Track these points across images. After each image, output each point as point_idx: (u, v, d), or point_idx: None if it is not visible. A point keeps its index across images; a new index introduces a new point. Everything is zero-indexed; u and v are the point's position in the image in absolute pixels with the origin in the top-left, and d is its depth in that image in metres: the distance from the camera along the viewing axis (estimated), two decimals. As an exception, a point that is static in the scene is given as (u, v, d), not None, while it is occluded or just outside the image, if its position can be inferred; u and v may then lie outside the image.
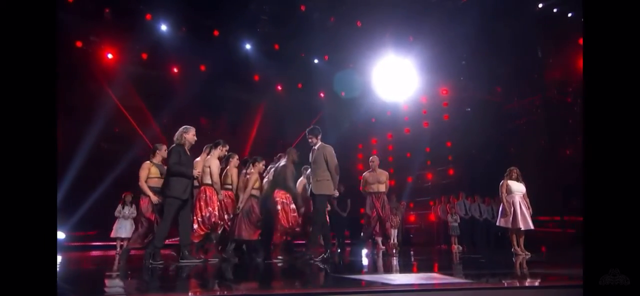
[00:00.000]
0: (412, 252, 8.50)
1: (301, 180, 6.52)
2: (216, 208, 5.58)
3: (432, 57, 11.68)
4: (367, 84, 12.49)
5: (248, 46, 12.60)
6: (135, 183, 5.42)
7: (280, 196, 5.88)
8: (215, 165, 5.63)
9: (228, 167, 5.97)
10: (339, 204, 8.64)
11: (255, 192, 5.89)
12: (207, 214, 5.50)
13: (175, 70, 12.49)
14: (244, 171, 6.15)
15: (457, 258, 6.87)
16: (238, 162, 6.13)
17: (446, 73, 13.04)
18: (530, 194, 6.68)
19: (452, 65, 12.82)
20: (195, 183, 5.46)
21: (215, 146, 5.78)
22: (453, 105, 13.39)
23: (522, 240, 6.52)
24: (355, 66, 13.08)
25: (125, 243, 7.97)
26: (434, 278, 3.79)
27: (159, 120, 11.53)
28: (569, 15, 10.55)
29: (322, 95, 14.27)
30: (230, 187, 5.94)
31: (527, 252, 6.35)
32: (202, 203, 5.50)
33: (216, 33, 11.92)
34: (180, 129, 5.17)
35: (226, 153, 5.91)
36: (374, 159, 7.05)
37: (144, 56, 11.74)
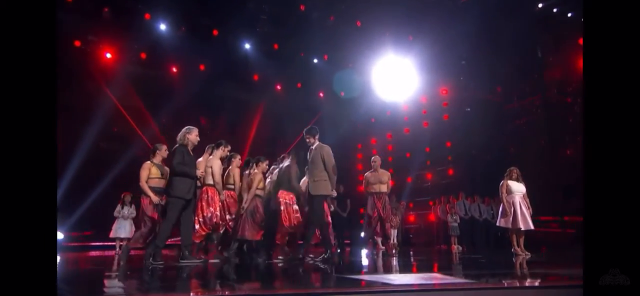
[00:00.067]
0: (411, 252, 8.48)
1: (304, 179, 6.52)
2: (218, 208, 5.59)
3: (431, 56, 11.66)
4: (367, 84, 12.48)
5: (247, 46, 12.58)
6: (134, 183, 5.41)
7: (283, 196, 5.88)
8: (217, 166, 5.65)
9: (230, 167, 5.99)
10: (338, 204, 8.62)
11: (259, 192, 5.92)
12: (209, 214, 5.51)
13: (175, 69, 12.46)
14: (247, 171, 6.17)
15: (456, 259, 6.85)
16: (240, 162, 6.15)
17: (446, 73, 13.03)
18: (530, 194, 6.67)
19: (452, 64, 12.80)
20: (198, 183, 5.48)
21: (217, 146, 5.80)
22: (453, 105, 13.37)
23: (522, 240, 6.51)
24: (354, 66, 13.06)
25: (124, 244, 7.98)
26: (434, 278, 3.77)
27: (158, 120, 11.50)
28: (569, 15, 10.54)
29: (321, 94, 14.24)
30: (232, 187, 5.96)
31: (527, 252, 6.34)
32: (204, 204, 5.52)
33: (215, 32, 11.88)
34: (183, 130, 5.20)
35: (228, 153, 5.93)
36: (376, 159, 7.04)
37: (143, 55, 11.71)
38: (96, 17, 10.77)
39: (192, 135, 5.17)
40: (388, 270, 4.86)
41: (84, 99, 10.53)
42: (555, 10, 10.75)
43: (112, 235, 8.13)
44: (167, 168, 5.39)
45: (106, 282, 3.89)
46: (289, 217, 5.84)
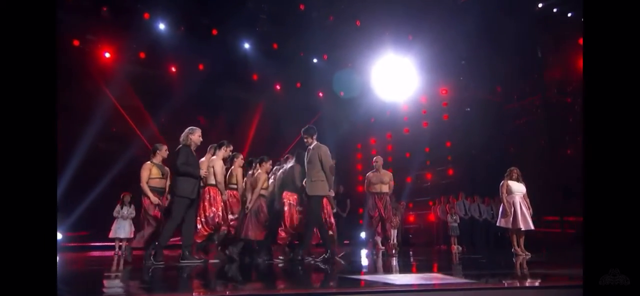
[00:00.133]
0: (411, 253, 8.46)
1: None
2: (220, 208, 5.61)
3: (431, 56, 11.64)
4: (366, 84, 12.45)
5: (246, 45, 12.53)
6: (133, 183, 5.41)
7: (288, 197, 5.88)
8: (219, 166, 5.67)
9: (233, 167, 6.02)
10: (338, 204, 8.60)
11: (264, 192, 5.93)
12: (211, 214, 5.52)
13: (174, 69, 12.42)
14: (250, 171, 6.17)
15: (456, 259, 6.84)
16: (243, 162, 6.18)
17: (446, 72, 13.00)
18: (531, 194, 6.67)
19: (452, 64, 12.78)
20: (200, 183, 5.48)
21: (220, 147, 5.84)
22: (453, 105, 13.35)
23: (522, 240, 6.51)
24: (354, 65, 13.03)
25: (123, 244, 7.96)
26: (435, 278, 3.76)
27: (157, 119, 11.47)
28: (569, 15, 10.52)
29: (320, 94, 14.19)
30: (235, 187, 5.99)
31: (527, 252, 6.34)
32: (206, 204, 5.54)
33: (214, 32, 11.84)
34: (186, 130, 5.26)
35: (230, 153, 5.95)
36: (378, 159, 7.04)
37: (142, 55, 11.66)
38: (95, 16, 10.72)
39: (195, 135, 5.24)
40: (388, 270, 4.86)
41: (83, 99, 10.48)
42: (555, 10, 10.73)
43: (111, 235, 8.10)
44: (167, 168, 5.45)
45: (106, 282, 3.88)
46: (292, 218, 5.83)
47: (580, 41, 8.68)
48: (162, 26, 11.32)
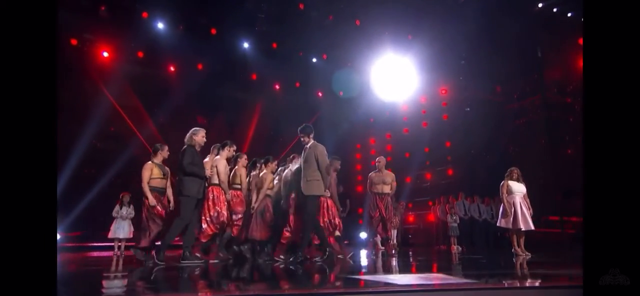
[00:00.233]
0: (411, 253, 8.44)
1: None
2: (224, 208, 5.62)
3: (431, 55, 11.61)
4: (366, 83, 12.42)
5: (245, 45, 12.51)
6: (131, 183, 5.43)
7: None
8: (222, 166, 5.69)
9: (236, 167, 6.03)
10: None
11: (269, 192, 5.97)
12: (215, 213, 5.53)
13: (172, 68, 12.40)
14: (255, 172, 6.17)
15: (456, 259, 6.81)
16: (246, 161, 6.20)
17: (445, 72, 12.98)
18: (531, 194, 6.65)
19: (452, 64, 12.76)
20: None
21: (223, 147, 5.87)
22: (452, 105, 13.33)
23: (522, 241, 6.51)
24: (353, 65, 13.00)
25: (123, 244, 7.93)
26: (435, 278, 3.73)
27: (155, 119, 11.43)
28: (569, 15, 10.51)
29: (320, 94, 14.17)
30: (239, 186, 6.00)
31: (527, 252, 6.32)
32: (210, 203, 5.55)
33: (213, 31, 11.81)
34: (190, 131, 5.32)
35: (234, 153, 5.98)
36: (381, 159, 7.02)
37: (140, 54, 11.64)
38: (93, 15, 10.70)
39: (198, 136, 5.29)
40: (388, 270, 4.84)
41: (81, 98, 10.44)
42: (555, 10, 10.71)
43: (110, 235, 8.05)
44: (167, 169, 5.52)
45: (105, 283, 3.86)
46: (296, 219, 5.81)
47: (580, 41, 8.67)
48: (160, 25, 11.29)
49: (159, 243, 5.22)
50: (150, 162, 5.41)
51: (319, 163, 5.27)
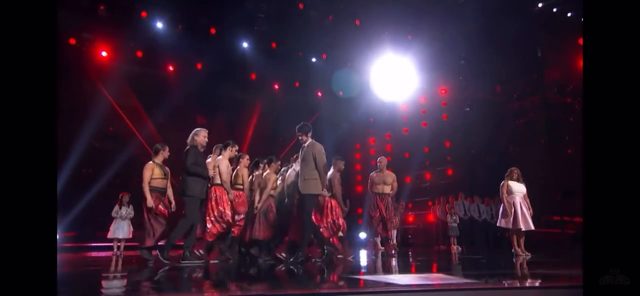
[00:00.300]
0: (410, 253, 8.42)
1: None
2: (227, 207, 5.62)
3: (431, 55, 11.60)
4: (365, 83, 12.40)
5: (245, 44, 12.49)
6: (131, 183, 5.42)
7: None
8: (224, 166, 5.69)
9: (239, 167, 6.03)
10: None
11: (273, 192, 5.97)
12: (219, 213, 5.54)
13: (171, 68, 12.37)
14: (258, 172, 6.15)
15: (456, 259, 6.80)
16: (249, 161, 6.20)
17: (445, 72, 12.98)
18: (531, 194, 6.64)
19: (451, 64, 12.76)
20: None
21: (225, 147, 5.87)
22: (452, 105, 13.33)
23: (522, 241, 6.50)
24: (353, 65, 12.98)
25: (122, 244, 7.90)
26: (435, 278, 3.72)
27: (154, 119, 11.40)
28: (569, 15, 10.50)
29: (319, 94, 14.16)
30: (241, 187, 6.00)
31: (527, 253, 6.31)
32: (213, 203, 5.56)
33: (213, 31, 11.79)
34: (192, 132, 5.32)
35: (236, 153, 5.98)
36: (382, 160, 7.02)
37: (139, 54, 11.61)
38: (92, 14, 10.68)
39: (200, 136, 5.28)
40: (388, 270, 4.83)
41: (79, 98, 10.41)
42: (555, 10, 10.71)
43: (109, 235, 8.02)
44: (167, 169, 5.53)
45: (104, 283, 3.84)
46: (297, 218, 5.79)
47: (580, 41, 8.65)
48: (159, 25, 11.27)
49: (162, 243, 5.22)
50: (151, 162, 5.42)
51: (317, 161, 5.26)
